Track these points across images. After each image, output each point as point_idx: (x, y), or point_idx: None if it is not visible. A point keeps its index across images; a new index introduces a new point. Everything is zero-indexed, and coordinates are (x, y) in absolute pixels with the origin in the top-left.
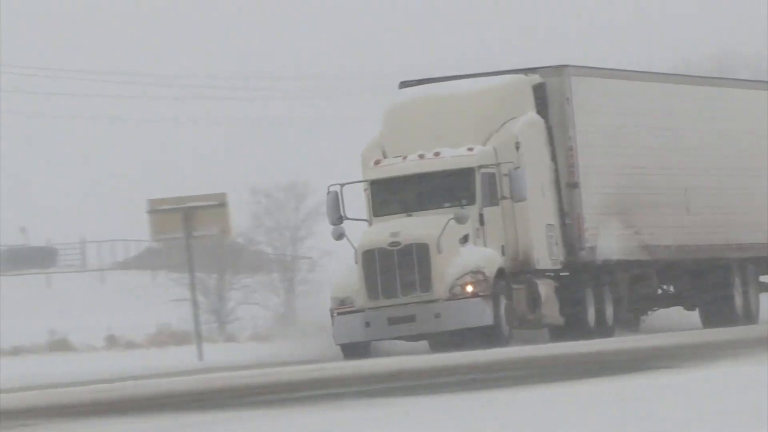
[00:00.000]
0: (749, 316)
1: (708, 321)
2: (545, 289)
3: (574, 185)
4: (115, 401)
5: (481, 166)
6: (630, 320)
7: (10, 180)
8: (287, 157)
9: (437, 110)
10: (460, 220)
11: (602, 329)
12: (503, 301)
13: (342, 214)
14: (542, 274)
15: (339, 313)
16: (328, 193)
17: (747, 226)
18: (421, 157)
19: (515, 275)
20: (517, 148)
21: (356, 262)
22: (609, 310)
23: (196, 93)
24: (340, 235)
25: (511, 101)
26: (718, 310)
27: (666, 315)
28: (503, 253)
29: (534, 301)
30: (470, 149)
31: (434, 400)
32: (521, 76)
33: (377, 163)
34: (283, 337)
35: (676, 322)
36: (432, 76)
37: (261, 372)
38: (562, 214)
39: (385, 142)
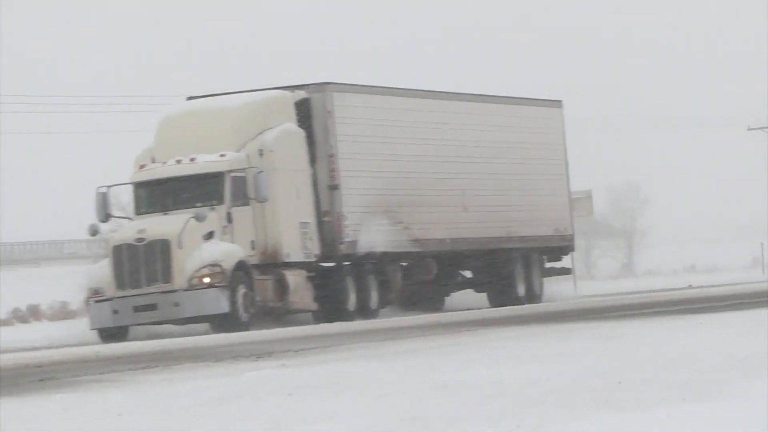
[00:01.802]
0: (532, 297)
1: (494, 302)
2: (295, 279)
3: (334, 187)
4: None
5: (230, 171)
6: (434, 300)
7: None
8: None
9: (201, 121)
10: (199, 218)
11: (366, 312)
12: (241, 291)
13: (108, 212)
14: (296, 265)
15: (92, 302)
16: (97, 193)
17: (531, 222)
18: (178, 162)
19: (264, 267)
20: (261, 154)
21: (107, 256)
22: (374, 296)
23: None
24: (94, 232)
25: (270, 113)
26: (503, 293)
27: (464, 296)
28: (253, 248)
29: (282, 290)
30: (222, 155)
31: None
32: (283, 92)
33: (142, 167)
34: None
35: (471, 303)
36: (214, 93)
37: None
38: (320, 212)
39: (155, 150)
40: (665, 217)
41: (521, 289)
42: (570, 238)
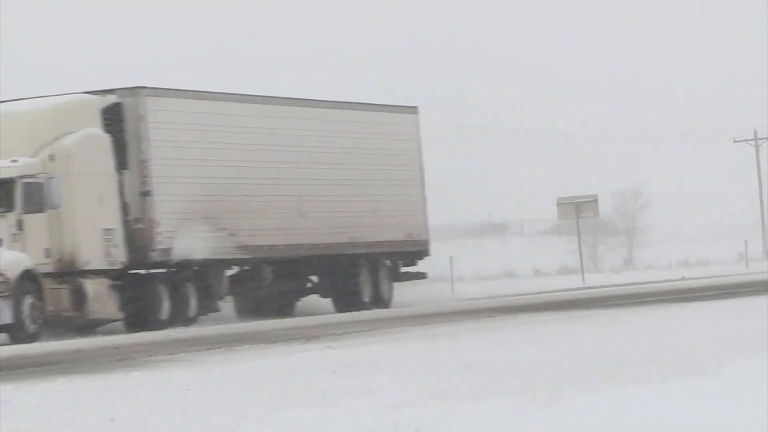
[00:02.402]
0: (380, 303)
1: (339, 307)
2: (95, 287)
3: (146, 193)
4: None
5: (22, 176)
6: (284, 305)
7: None
8: None
9: (1, 126)
10: None
11: (183, 319)
12: (28, 301)
13: None
14: (98, 273)
15: None
16: None
17: (378, 227)
18: None
19: (62, 276)
20: (53, 159)
21: None
22: (193, 304)
23: None
24: None
25: (71, 118)
26: (348, 298)
27: (315, 301)
28: (47, 256)
29: (80, 299)
30: (14, 161)
31: None
32: (86, 96)
33: None
34: None
35: (321, 308)
36: (24, 97)
37: None
38: (130, 219)
39: None
40: (662, 218)
41: (367, 295)
42: (424, 243)
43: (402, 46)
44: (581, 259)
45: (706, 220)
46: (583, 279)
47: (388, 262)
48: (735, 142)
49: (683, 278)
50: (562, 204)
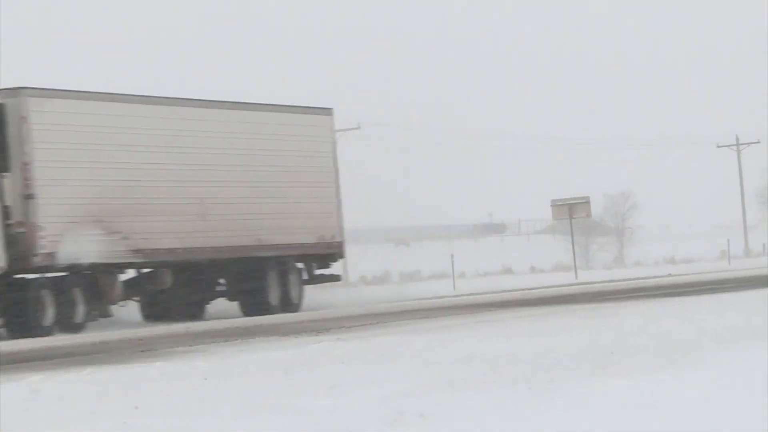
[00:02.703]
0: (289, 306)
1: (246, 311)
2: None
3: (29, 196)
4: None
5: None
6: (192, 309)
7: None
8: None
9: None
10: None
11: (70, 325)
12: None
13: None
14: None
15: None
16: None
17: (287, 230)
18: None
19: None
20: None
21: None
22: (80, 309)
23: None
24: None
25: None
26: (254, 302)
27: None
28: None
29: None
30: None
31: None
32: None
33: None
34: None
35: (232, 312)
36: None
37: None
38: (8, 223)
39: None
40: (650, 219)
41: (274, 298)
42: (338, 246)
43: (400, 53)
44: (574, 257)
45: (691, 221)
46: (576, 275)
47: (298, 265)
48: (718, 147)
49: (670, 275)
50: (556, 205)
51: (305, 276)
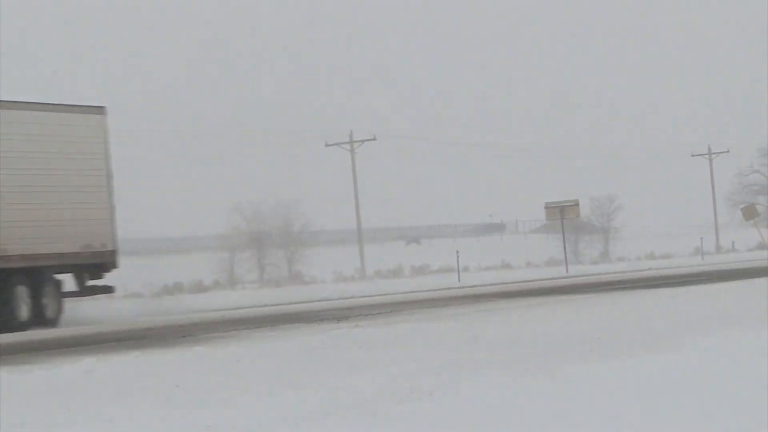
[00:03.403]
0: (43, 321)
1: None
2: None
3: None
4: None
5: None
6: None
7: None
8: None
9: None
10: None
11: None
12: None
13: None
14: None
15: None
16: None
17: (42, 238)
18: None
19: None
20: None
21: None
22: None
23: None
24: None
25: None
26: (2, 317)
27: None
28: None
29: None
30: None
31: None
32: None
33: None
34: None
35: None
36: None
37: None
38: None
39: None
40: (633, 219)
41: (24, 313)
42: (110, 254)
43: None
44: (565, 253)
45: (668, 221)
46: (567, 269)
47: (56, 277)
48: (692, 156)
49: (650, 269)
50: (550, 207)
51: (76, 288)
